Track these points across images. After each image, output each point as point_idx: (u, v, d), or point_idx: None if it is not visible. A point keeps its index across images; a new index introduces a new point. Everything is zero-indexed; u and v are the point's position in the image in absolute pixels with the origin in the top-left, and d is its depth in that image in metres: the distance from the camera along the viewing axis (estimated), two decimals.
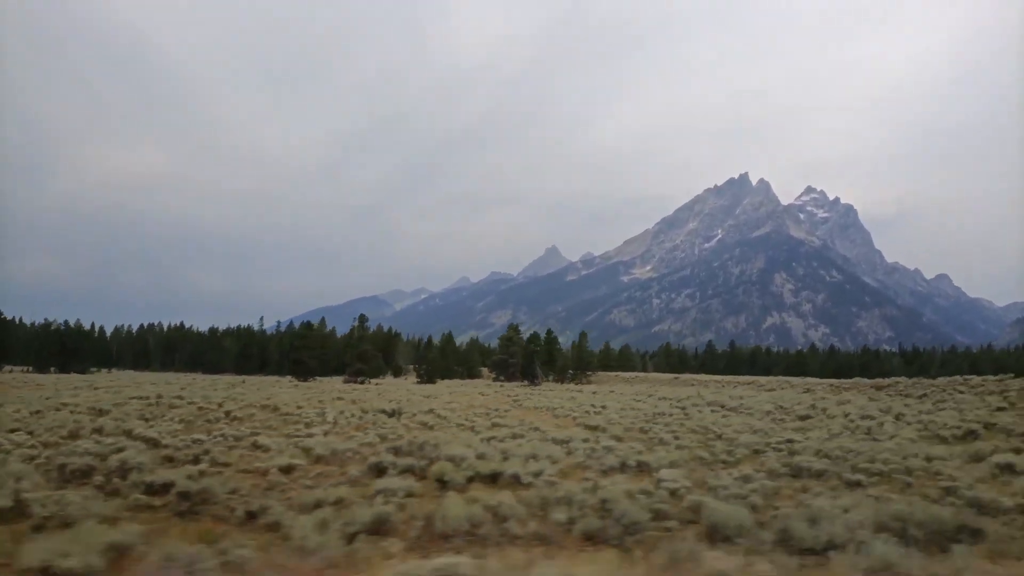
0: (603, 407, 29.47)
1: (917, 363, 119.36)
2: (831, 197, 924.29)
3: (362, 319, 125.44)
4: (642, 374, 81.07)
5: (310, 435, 15.41)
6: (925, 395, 31.19)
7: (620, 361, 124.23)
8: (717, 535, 6.86)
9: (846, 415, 23.21)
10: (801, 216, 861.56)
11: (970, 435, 18.20)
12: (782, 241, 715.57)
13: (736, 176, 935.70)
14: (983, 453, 13.19)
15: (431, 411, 22.44)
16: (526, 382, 65.16)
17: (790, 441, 15.89)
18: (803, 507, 8.38)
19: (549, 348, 74.52)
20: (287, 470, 10.49)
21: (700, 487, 9.78)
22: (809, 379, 61.72)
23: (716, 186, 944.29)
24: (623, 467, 11.85)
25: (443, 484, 9.99)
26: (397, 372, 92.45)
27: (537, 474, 10.66)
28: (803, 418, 23.99)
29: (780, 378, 66.41)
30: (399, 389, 45.55)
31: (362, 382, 55.21)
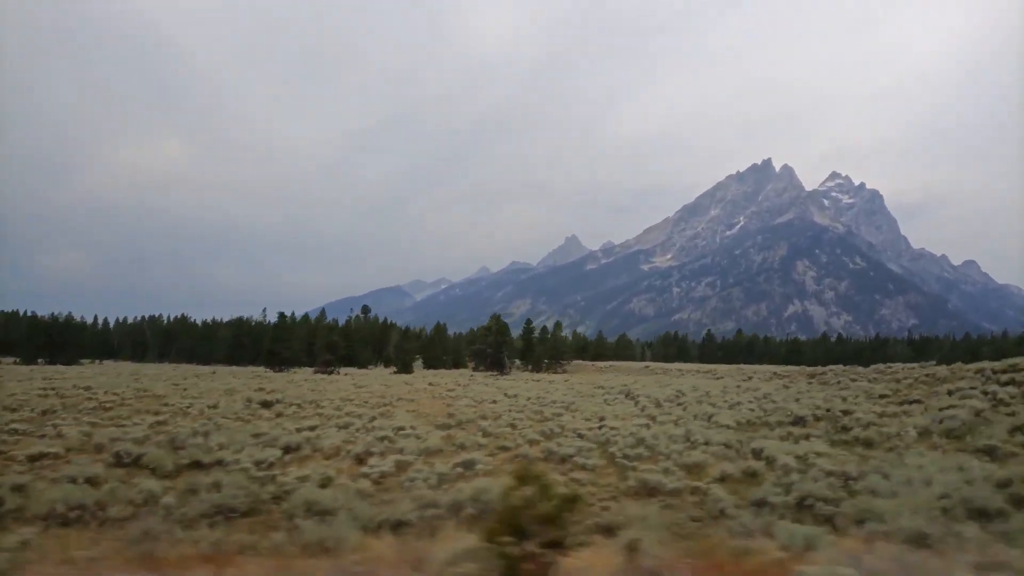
0: (515, 395, 30.29)
1: (926, 351, 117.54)
2: (856, 183, 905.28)
3: (365, 310, 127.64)
4: (617, 363, 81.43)
5: (135, 424, 16.56)
6: (840, 382, 31.42)
7: (617, 351, 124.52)
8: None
9: (712, 402, 23.79)
10: (826, 202, 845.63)
11: (798, 422, 18.71)
12: (805, 228, 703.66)
13: (759, 162, 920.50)
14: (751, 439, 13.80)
15: (314, 403, 23.44)
16: (495, 372, 66.04)
17: (589, 430, 16.57)
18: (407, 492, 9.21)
19: (528, 338, 75.26)
20: (35, 458, 11.54)
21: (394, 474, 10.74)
22: (780, 367, 61.58)
23: (738, 172, 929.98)
24: (367, 454, 12.68)
25: (153, 470, 10.94)
26: (388, 362, 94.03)
27: (260, 462, 11.57)
28: (676, 402, 24.58)
29: (746, 366, 66.60)
30: (360, 379, 46.71)
31: (330, 372, 56.55)
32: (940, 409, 18.07)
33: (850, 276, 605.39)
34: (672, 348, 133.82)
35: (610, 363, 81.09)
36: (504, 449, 13.88)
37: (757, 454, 12.46)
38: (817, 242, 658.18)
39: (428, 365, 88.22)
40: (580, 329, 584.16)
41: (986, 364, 24.35)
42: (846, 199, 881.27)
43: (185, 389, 28.45)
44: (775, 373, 46.21)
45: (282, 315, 68.00)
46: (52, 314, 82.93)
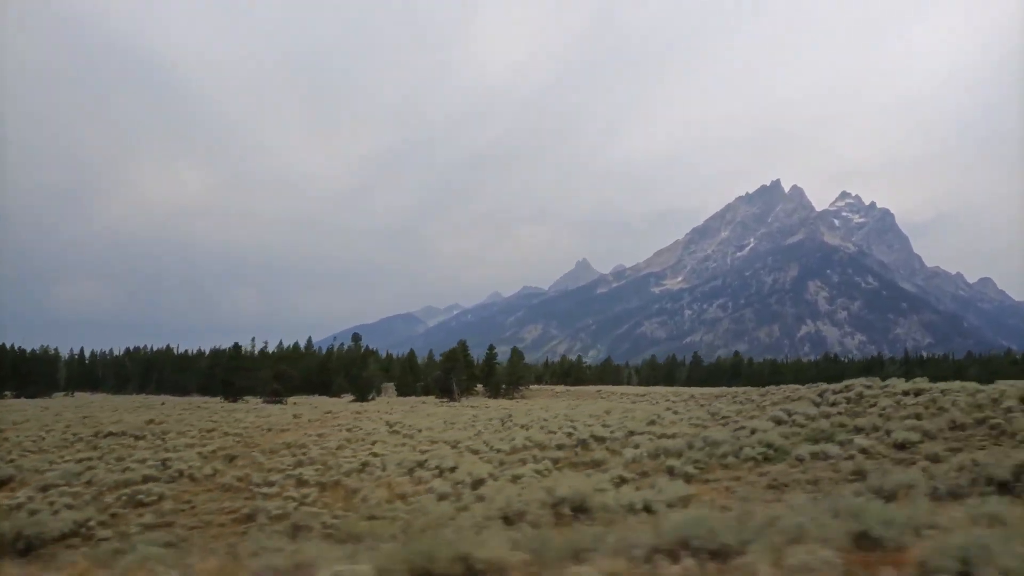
0: (394, 423, 30.44)
1: (925, 370, 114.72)
2: (867, 202, 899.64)
3: (355, 338, 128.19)
4: (573, 388, 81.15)
5: None
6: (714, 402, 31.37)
7: (602, 375, 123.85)
8: None
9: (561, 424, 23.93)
10: (836, 222, 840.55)
11: (581, 443, 18.73)
12: (816, 248, 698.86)
13: (768, 183, 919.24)
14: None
15: (161, 435, 23.83)
16: (446, 398, 66.07)
17: (372, 456, 16.76)
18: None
19: (490, 364, 75.41)
20: None
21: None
22: (713, 389, 61.10)
23: (747, 194, 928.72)
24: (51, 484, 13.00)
25: None
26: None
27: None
28: (526, 426, 24.63)
29: (684, 389, 66.50)
30: (296, 409, 47.08)
31: (278, 401, 56.95)
32: (735, 430, 18.06)
33: (863, 296, 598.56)
34: (659, 371, 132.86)
35: (566, 388, 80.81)
36: (224, 488, 14.11)
37: (446, 471, 12.59)
38: (828, 262, 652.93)
39: (401, 392, 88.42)
40: (591, 353, 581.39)
41: (824, 384, 24.25)
42: (857, 219, 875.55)
43: (67, 421, 28.97)
44: (692, 395, 46.13)
45: (237, 345, 68.81)
46: (14, 346, 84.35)
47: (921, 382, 22.67)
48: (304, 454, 17.34)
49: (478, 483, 11.74)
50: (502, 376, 72.64)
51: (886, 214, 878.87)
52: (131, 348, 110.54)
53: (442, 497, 10.32)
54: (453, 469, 12.85)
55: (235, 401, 60.71)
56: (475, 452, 16.29)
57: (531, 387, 78.95)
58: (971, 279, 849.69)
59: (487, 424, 26.69)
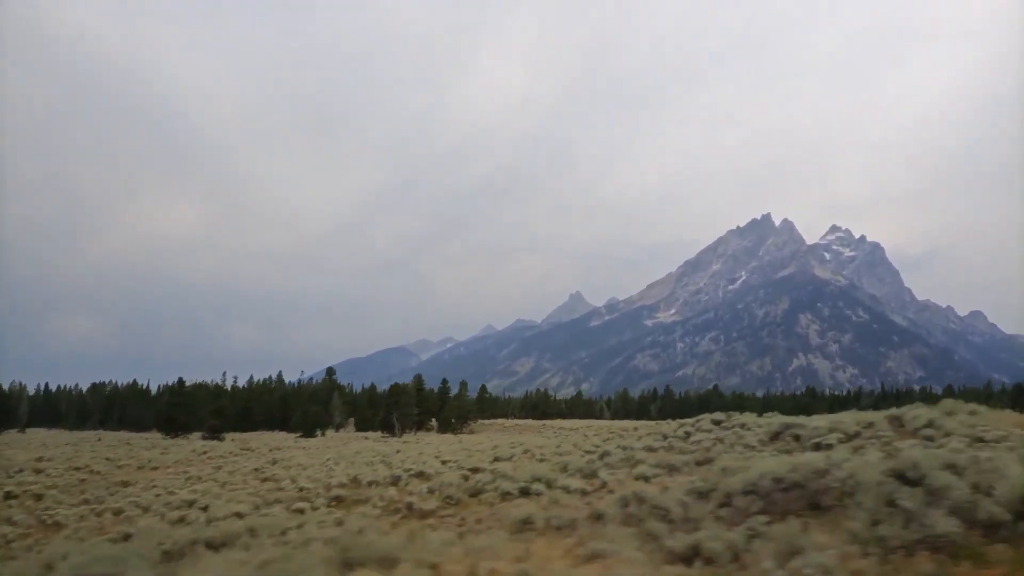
0: (275, 460, 30.56)
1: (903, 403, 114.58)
2: (856, 235, 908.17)
3: (329, 371, 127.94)
4: (522, 422, 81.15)
5: None
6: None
7: (572, 407, 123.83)
8: None
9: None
10: (827, 255, 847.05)
11: (394, 479, 19.00)
12: (807, 281, 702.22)
13: (759, 217, 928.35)
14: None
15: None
16: (387, 433, 65.88)
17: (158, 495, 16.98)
18: None
19: (442, 398, 75.48)
20: None
21: None
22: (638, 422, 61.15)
23: (739, 227, 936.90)
24: None
25: None
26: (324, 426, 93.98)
27: None
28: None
29: (618, 422, 66.70)
30: (223, 446, 47.06)
31: (216, 438, 56.71)
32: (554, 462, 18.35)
33: (853, 329, 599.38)
34: (631, 405, 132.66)
35: (516, 422, 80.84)
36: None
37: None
38: (819, 295, 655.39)
39: (360, 427, 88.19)
40: (584, 386, 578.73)
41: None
42: (847, 252, 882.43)
43: None
44: (626, 429, 46.35)
45: (181, 380, 68.58)
46: None
47: (773, 416, 23.04)
48: (110, 493, 17.55)
49: (210, 521, 12.02)
50: (451, 411, 72.52)
51: (876, 247, 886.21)
52: (97, 383, 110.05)
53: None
54: (206, 508, 13.12)
55: (175, 437, 60.49)
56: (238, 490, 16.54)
57: (481, 421, 78.84)
58: (962, 312, 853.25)
59: (339, 462, 27.00)
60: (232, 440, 55.07)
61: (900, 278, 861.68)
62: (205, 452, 34.26)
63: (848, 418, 15.86)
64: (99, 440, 54.20)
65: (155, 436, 61.47)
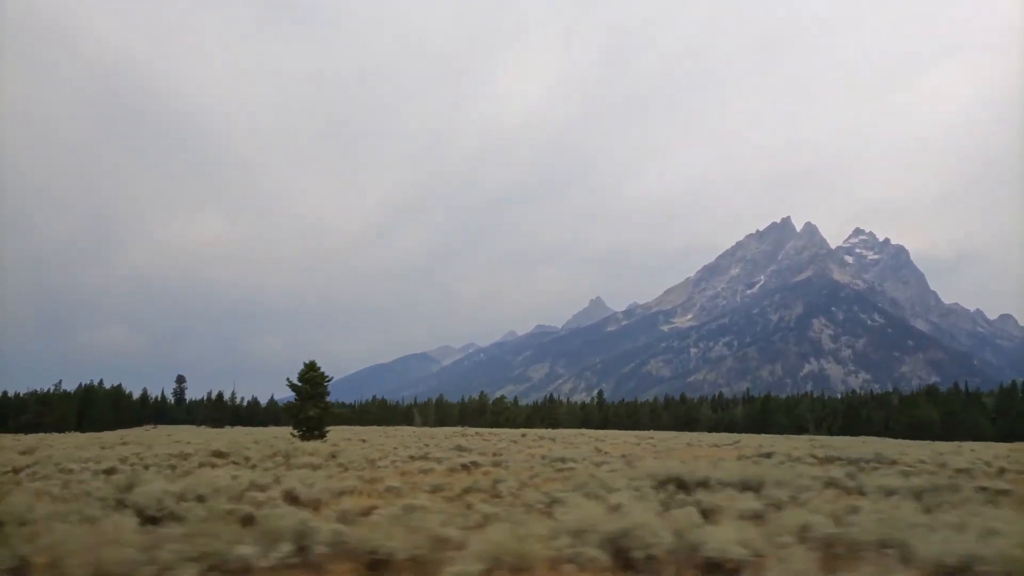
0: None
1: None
2: (881, 239, 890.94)
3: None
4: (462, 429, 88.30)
5: None
6: None
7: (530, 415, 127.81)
8: None
9: None
10: (849, 259, 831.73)
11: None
12: (823, 285, 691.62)
13: (779, 220, 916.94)
14: None
15: None
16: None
17: None
18: None
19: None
20: None
21: None
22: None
23: (758, 231, 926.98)
24: None
25: None
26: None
27: None
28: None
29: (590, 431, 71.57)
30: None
31: None
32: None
33: (868, 333, 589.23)
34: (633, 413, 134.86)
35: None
36: None
37: None
38: (834, 299, 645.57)
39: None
40: (596, 392, 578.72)
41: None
42: (871, 255, 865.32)
43: None
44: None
45: (89, 387, 77.72)
46: None
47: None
48: None
49: None
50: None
51: (900, 250, 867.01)
52: (52, 388, 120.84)
53: None
54: None
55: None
56: None
57: None
58: (992, 316, 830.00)
59: None
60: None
61: (925, 281, 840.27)
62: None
63: None
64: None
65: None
